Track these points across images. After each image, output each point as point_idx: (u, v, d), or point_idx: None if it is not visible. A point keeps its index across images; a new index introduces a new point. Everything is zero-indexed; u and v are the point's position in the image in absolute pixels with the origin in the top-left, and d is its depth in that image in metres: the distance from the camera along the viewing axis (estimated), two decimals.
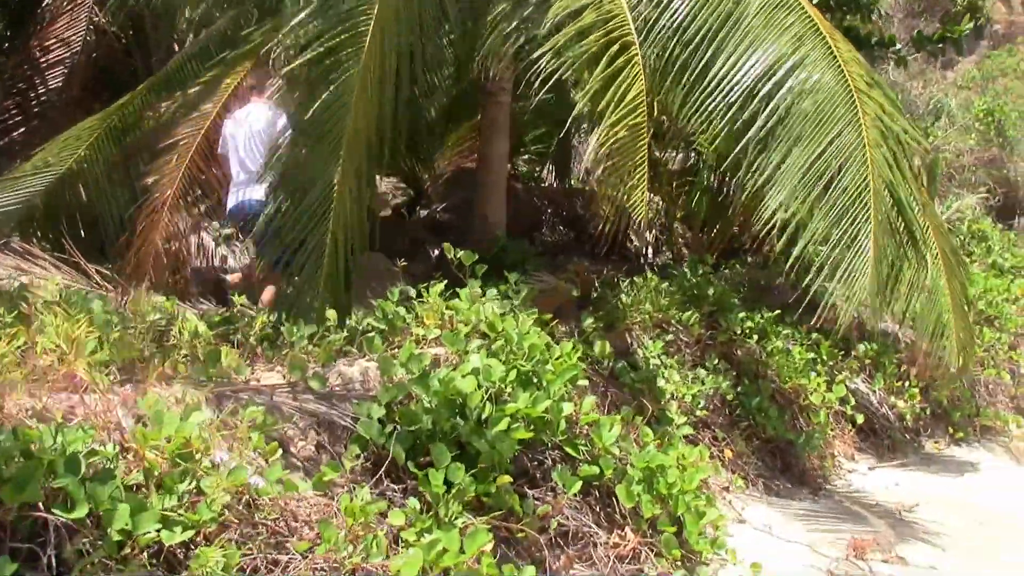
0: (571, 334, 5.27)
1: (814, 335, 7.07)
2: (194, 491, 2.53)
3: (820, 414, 6.56)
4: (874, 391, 7.75)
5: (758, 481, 5.76)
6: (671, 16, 5.01)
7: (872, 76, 4.99)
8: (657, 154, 8.44)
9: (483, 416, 3.57)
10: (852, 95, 4.73)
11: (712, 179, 7.95)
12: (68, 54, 6.47)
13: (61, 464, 2.26)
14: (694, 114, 4.88)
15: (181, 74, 6.30)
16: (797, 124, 4.69)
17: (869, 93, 4.80)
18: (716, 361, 6.18)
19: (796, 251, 4.73)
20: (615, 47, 5.05)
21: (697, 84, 4.85)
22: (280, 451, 3.05)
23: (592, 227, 9.22)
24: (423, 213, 8.13)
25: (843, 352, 7.49)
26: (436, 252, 7.74)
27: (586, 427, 3.97)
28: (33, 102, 6.85)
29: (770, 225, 4.84)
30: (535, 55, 5.10)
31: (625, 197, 5.11)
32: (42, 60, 6.65)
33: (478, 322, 4.24)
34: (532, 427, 3.76)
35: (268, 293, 5.36)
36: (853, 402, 7.05)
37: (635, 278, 6.51)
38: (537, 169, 10.26)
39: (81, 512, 2.21)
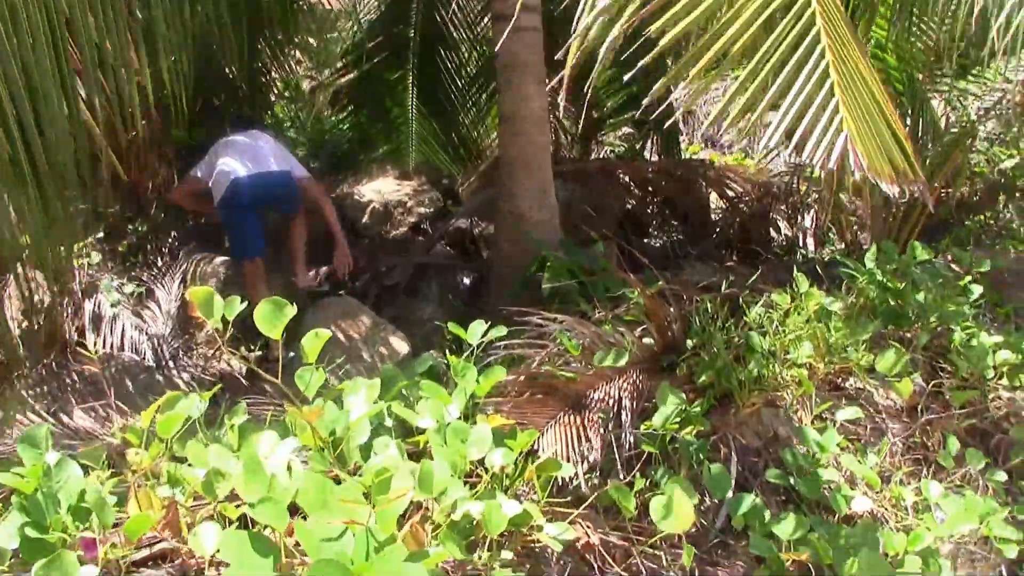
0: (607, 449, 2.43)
1: None
2: None
3: None
4: None
5: None
6: None
7: None
8: None
9: None
10: None
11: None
12: None
13: None
14: None
15: None
16: None
17: None
18: (954, 450, 3.10)
19: None
20: None
21: None
22: None
23: (713, 214, 6.28)
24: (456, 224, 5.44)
25: None
26: (466, 280, 5.05)
27: None
28: None
29: None
30: None
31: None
32: None
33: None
34: None
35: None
36: None
37: (774, 294, 3.52)
38: (638, 144, 7.36)
39: None
